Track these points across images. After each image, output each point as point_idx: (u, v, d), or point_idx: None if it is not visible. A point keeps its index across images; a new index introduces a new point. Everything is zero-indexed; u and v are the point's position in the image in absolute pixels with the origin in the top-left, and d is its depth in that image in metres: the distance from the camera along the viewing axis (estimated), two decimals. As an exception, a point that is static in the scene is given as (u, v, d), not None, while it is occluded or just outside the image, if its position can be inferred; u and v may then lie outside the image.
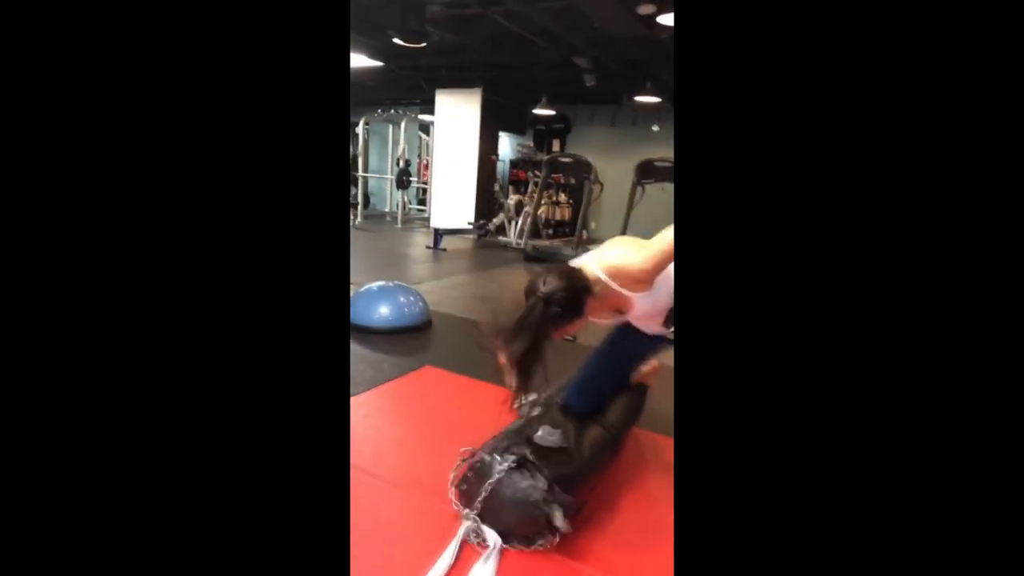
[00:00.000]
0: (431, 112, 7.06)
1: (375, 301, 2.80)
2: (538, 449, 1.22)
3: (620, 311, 1.33)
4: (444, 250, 5.69)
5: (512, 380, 1.20)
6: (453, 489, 1.28)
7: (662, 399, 1.67)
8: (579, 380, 1.56)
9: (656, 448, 1.70)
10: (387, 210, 8.68)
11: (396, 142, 7.87)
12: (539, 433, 1.28)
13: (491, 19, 3.94)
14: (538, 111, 6.84)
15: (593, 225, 7.31)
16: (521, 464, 1.18)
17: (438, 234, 5.85)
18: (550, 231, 7.07)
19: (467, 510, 1.22)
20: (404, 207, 7.83)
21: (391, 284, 3.02)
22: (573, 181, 7.14)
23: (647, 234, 1.30)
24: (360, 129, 7.81)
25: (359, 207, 7.60)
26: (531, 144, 8.08)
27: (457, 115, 6.72)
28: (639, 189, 5.55)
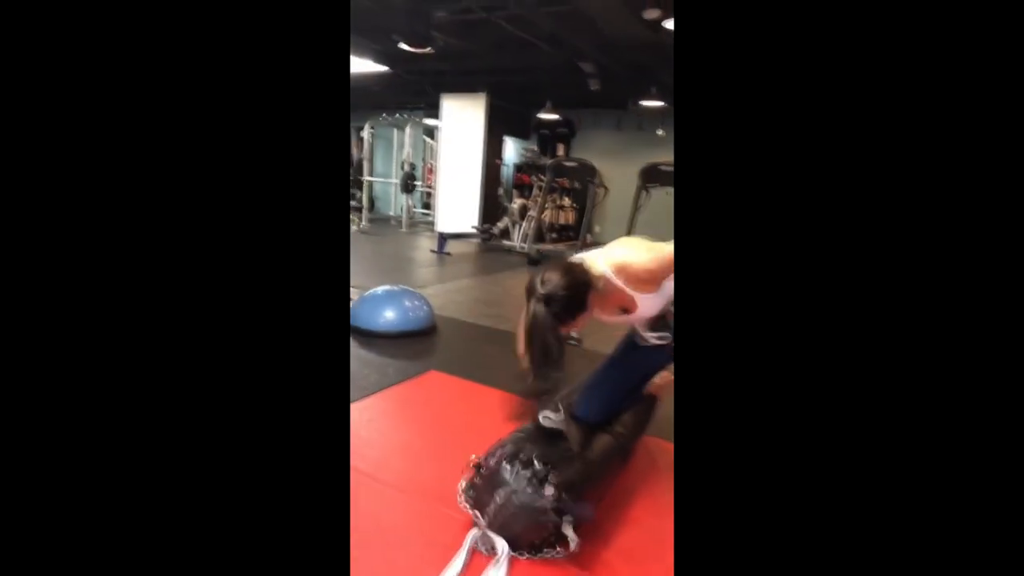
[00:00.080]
0: (436, 116, 7.09)
1: (380, 305, 2.80)
2: (547, 456, 1.21)
3: (625, 310, 1.32)
4: (449, 254, 5.70)
5: (532, 386, 1.19)
6: (462, 496, 1.27)
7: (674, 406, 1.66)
8: (589, 389, 1.55)
9: (667, 456, 1.69)
10: (392, 214, 8.71)
11: (401, 146, 7.91)
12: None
13: (496, 24, 3.96)
14: (542, 115, 6.86)
15: (597, 229, 7.30)
16: (529, 470, 1.17)
17: (443, 238, 5.86)
18: (554, 235, 7.07)
19: (476, 516, 1.21)
20: (409, 211, 7.86)
21: (396, 288, 3.02)
22: (577, 185, 7.15)
23: (652, 239, 1.29)
24: (366, 133, 7.85)
25: (364, 211, 7.63)
26: (535, 148, 8.10)
27: (462, 120, 6.74)
28: (644, 193, 5.54)
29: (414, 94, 7.11)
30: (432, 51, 4.05)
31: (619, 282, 1.23)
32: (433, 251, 5.78)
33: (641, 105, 5.72)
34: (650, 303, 1.27)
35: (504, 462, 1.19)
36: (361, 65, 5.03)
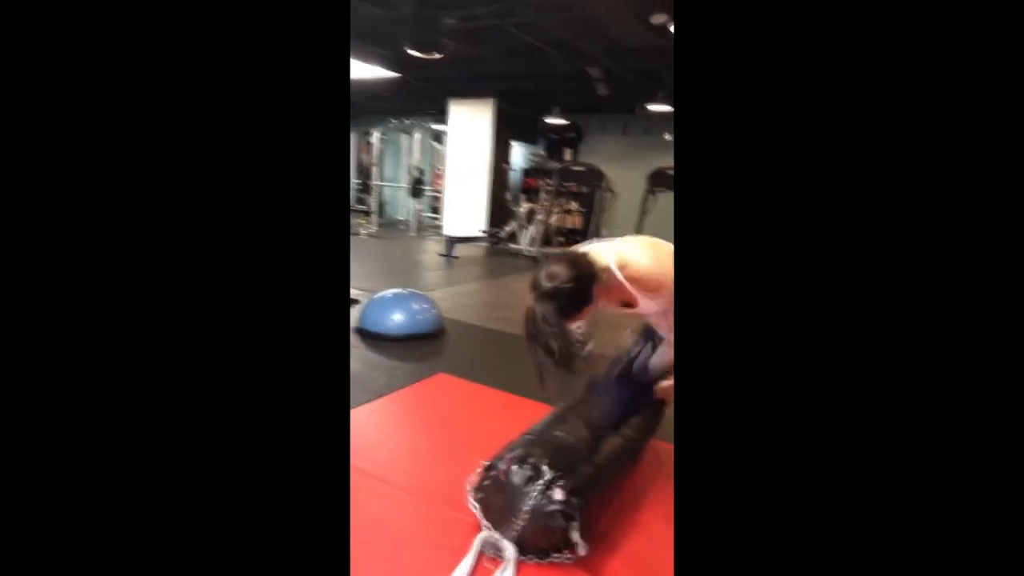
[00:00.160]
0: (444, 122, 7.13)
1: (389, 308, 2.82)
2: (556, 460, 1.21)
3: (628, 305, 1.32)
4: (457, 258, 5.72)
5: (547, 384, 1.18)
6: (470, 499, 1.27)
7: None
8: (598, 391, 1.55)
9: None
10: (401, 218, 8.75)
11: (410, 152, 7.95)
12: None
13: (504, 30, 3.98)
14: (550, 120, 6.87)
15: (604, 233, 7.29)
16: (538, 475, 1.17)
17: (451, 242, 5.88)
18: (561, 239, 7.07)
19: (484, 520, 1.21)
20: (417, 215, 7.89)
21: (404, 291, 3.04)
22: (585, 189, 7.15)
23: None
24: (375, 139, 7.91)
25: (374, 215, 7.67)
26: (543, 153, 8.11)
27: (470, 125, 6.77)
28: (651, 197, 5.54)
29: (423, 100, 7.16)
30: (441, 57, 4.08)
31: (621, 277, 1.22)
32: (441, 255, 5.80)
33: (648, 110, 5.72)
34: (652, 303, 1.27)
35: (513, 466, 1.19)
36: (370, 71, 5.07)
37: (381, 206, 8.36)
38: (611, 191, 6.55)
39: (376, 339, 2.69)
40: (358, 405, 1.94)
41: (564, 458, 1.22)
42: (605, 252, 1.24)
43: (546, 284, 1.13)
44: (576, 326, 1.22)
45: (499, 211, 6.93)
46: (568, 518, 1.12)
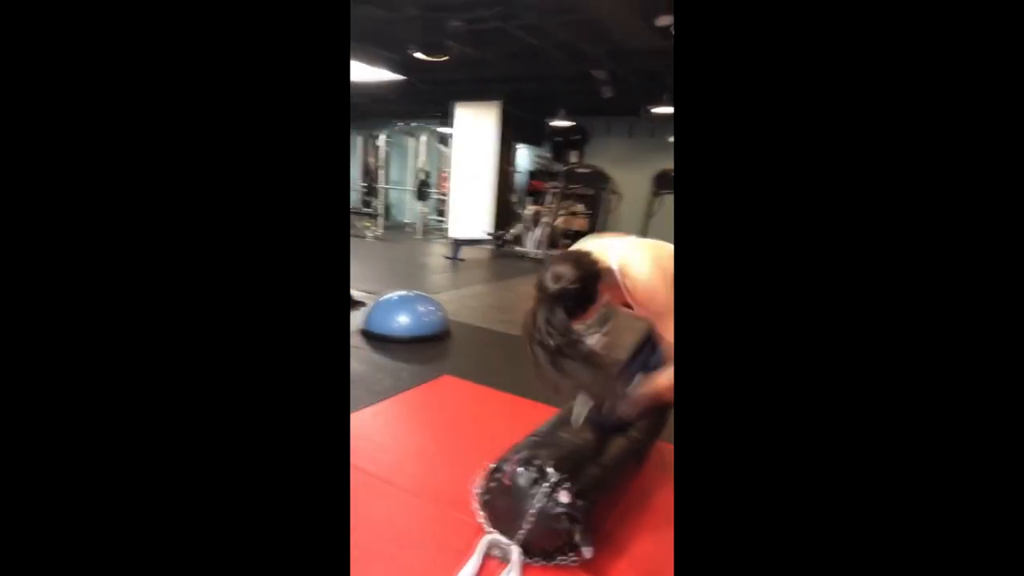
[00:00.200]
0: (450, 125, 7.15)
1: (394, 310, 2.82)
2: (561, 462, 1.20)
3: (627, 305, 1.31)
4: (462, 260, 5.73)
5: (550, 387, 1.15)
6: (475, 500, 1.27)
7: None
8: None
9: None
10: (407, 221, 8.78)
11: (416, 155, 7.98)
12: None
13: (510, 33, 3.99)
14: (555, 123, 6.88)
15: (611, 236, 7.27)
16: (543, 476, 1.17)
17: (456, 244, 5.89)
18: (567, 241, 7.06)
19: (489, 522, 1.21)
20: (423, 218, 7.92)
21: (410, 293, 3.04)
22: (590, 192, 7.15)
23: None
24: (381, 142, 7.95)
25: (380, 218, 7.71)
26: (549, 155, 8.12)
27: (475, 127, 6.79)
28: (656, 199, 5.53)
29: (428, 103, 7.19)
30: (446, 59, 4.10)
31: (620, 281, 1.22)
32: (447, 257, 5.82)
33: (653, 112, 5.71)
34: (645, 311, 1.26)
35: (519, 468, 1.19)
36: (376, 74, 5.10)
37: (387, 209, 8.39)
38: (616, 193, 6.54)
39: (382, 341, 2.70)
40: (364, 407, 1.95)
41: (570, 460, 1.21)
42: (611, 253, 1.23)
43: (552, 285, 1.12)
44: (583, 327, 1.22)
45: (504, 214, 6.95)
46: (574, 520, 1.12)
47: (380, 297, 2.97)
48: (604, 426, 1.40)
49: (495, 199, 6.82)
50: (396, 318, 2.78)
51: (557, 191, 6.55)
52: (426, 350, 2.67)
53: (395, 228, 8.27)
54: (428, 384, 2.22)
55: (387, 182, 8.17)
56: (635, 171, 6.91)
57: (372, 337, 2.74)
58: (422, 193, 7.77)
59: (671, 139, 7.09)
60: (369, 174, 8.82)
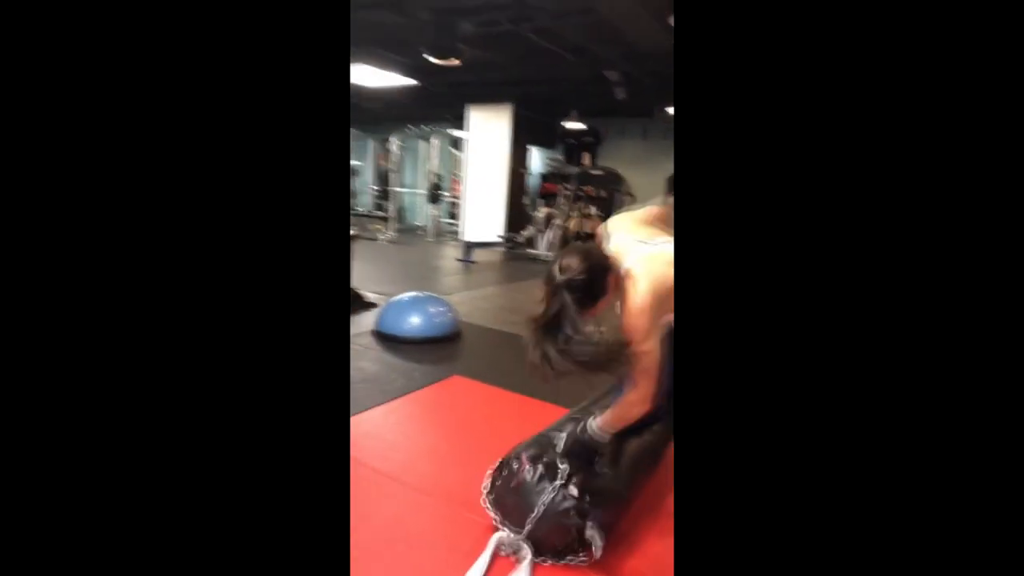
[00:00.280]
0: (462, 128, 7.19)
1: (406, 311, 2.84)
2: (573, 459, 1.19)
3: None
4: (475, 263, 5.74)
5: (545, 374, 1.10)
6: (484, 498, 1.27)
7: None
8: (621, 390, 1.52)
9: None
10: (419, 224, 8.83)
11: (428, 158, 8.03)
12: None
13: (522, 35, 4.00)
14: (568, 125, 6.88)
15: (624, 238, 7.24)
16: (552, 472, 1.16)
17: (469, 247, 5.90)
18: (580, 243, 7.05)
19: (497, 519, 1.21)
20: (436, 221, 7.96)
21: (422, 295, 3.06)
22: (604, 194, 7.13)
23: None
24: (394, 146, 8.01)
25: (392, 221, 7.76)
26: (561, 157, 8.12)
27: (488, 130, 6.82)
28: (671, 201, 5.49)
29: (441, 106, 7.23)
30: (459, 63, 4.12)
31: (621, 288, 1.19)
32: (459, 260, 5.83)
33: (667, 113, 5.68)
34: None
35: (527, 463, 1.18)
36: (388, 78, 5.15)
37: (400, 212, 8.44)
38: (630, 195, 6.51)
39: (393, 342, 2.71)
40: (375, 406, 1.96)
41: (579, 457, 1.20)
42: (627, 257, 1.17)
43: (559, 276, 1.11)
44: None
45: (517, 216, 6.95)
46: (583, 516, 1.11)
47: (392, 299, 2.98)
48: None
49: (507, 202, 6.83)
50: (408, 319, 2.79)
51: (569, 193, 6.53)
52: (437, 351, 2.68)
53: (408, 231, 8.32)
54: (439, 384, 2.23)
55: (400, 186, 8.23)
56: (649, 173, 6.87)
57: (384, 338, 2.76)
58: (434, 196, 7.81)
59: (684, 141, 7.03)
60: (382, 178, 8.89)
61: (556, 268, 1.13)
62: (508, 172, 6.76)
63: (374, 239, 6.93)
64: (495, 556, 1.15)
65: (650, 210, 1.41)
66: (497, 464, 1.26)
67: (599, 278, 1.14)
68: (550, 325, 1.08)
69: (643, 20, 3.62)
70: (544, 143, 7.92)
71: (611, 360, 1.08)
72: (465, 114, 6.95)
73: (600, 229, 1.34)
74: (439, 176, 7.85)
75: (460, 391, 2.20)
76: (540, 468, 1.16)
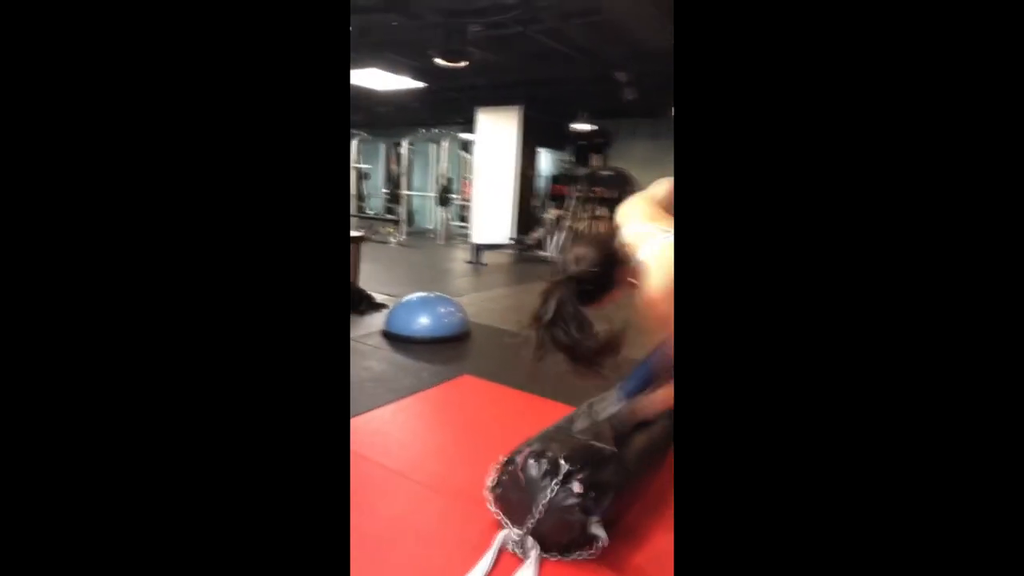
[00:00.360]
0: (472, 131, 7.22)
1: (415, 311, 2.85)
2: (577, 455, 1.19)
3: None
4: (485, 265, 5.75)
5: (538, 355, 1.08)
6: (488, 494, 1.27)
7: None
8: (632, 386, 1.51)
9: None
10: (429, 227, 8.87)
11: (438, 161, 8.08)
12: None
13: (530, 37, 4.01)
14: (577, 126, 6.87)
15: (634, 239, 7.21)
16: (555, 468, 1.15)
17: (478, 249, 5.92)
18: (590, 245, 7.02)
19: (502, 515, 1.20)
20: (446, 224, 7.99)
21: (431, 295, 3.07)
22: (614, 195, 7.10)
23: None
24: (404, 149, 8.07)
25: (403, 224, 7.81)
26: (571, 159, 8.11)
27: (497, 132, 6.84)
28: (681, 201, 5.45)
29: (450, 109, 7.27)
30: (467, 65, 4.14)
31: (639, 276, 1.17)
32: (469, 262, 5.85)
33: (677, 113, 5.65)
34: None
35: (530, 460, 1.18)
36: (398, 82, 5.19)
37: (410, 215, 8.50)
38: (640, 196, 6.46)
39: (403, 341, 2.72)
40: (385, 404, 1.97)
41: (583, 453, 1.20)
42: (644, 247, 1.13)
43: (572, 267, 1.09)
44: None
45: (527, 218, 6.95)
46: (587, 511, 1.10)
47: (402, 299, 3.00)
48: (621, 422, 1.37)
49: (517, 204, 6.83)
50: (417, 319, 2.81)
51: (579, 195, 6.52)
52: (446, 351, 2.69)
53: (418, 234, 8.36)
54: (448, 383, 2.23)
55: (410, 189, 8.28)
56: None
57: (393, 337, 2.77)
58: (444, 199, 7.85)
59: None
60: (392, 181, 8.96)
61: (570, 258, 1.11)
62: (517, 174, 6.77)
63: (385, 242, 6.97)
64: (502, 551, 1.15)
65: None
66: (501, 461, 1.26)
67: (610, 270, 1.12)
68: (555, 317, 1.06)
69: (652, 19, 3.62)
70: (553, 145, 7.92)
71: (602, 354, 1.06)
72: (474, 117, 6.97)
73: (616, 217, 1.29)
74: (449, 179, 7.89)
75: (469, 390, 2.20)
76: (544, 464, 1.16)
